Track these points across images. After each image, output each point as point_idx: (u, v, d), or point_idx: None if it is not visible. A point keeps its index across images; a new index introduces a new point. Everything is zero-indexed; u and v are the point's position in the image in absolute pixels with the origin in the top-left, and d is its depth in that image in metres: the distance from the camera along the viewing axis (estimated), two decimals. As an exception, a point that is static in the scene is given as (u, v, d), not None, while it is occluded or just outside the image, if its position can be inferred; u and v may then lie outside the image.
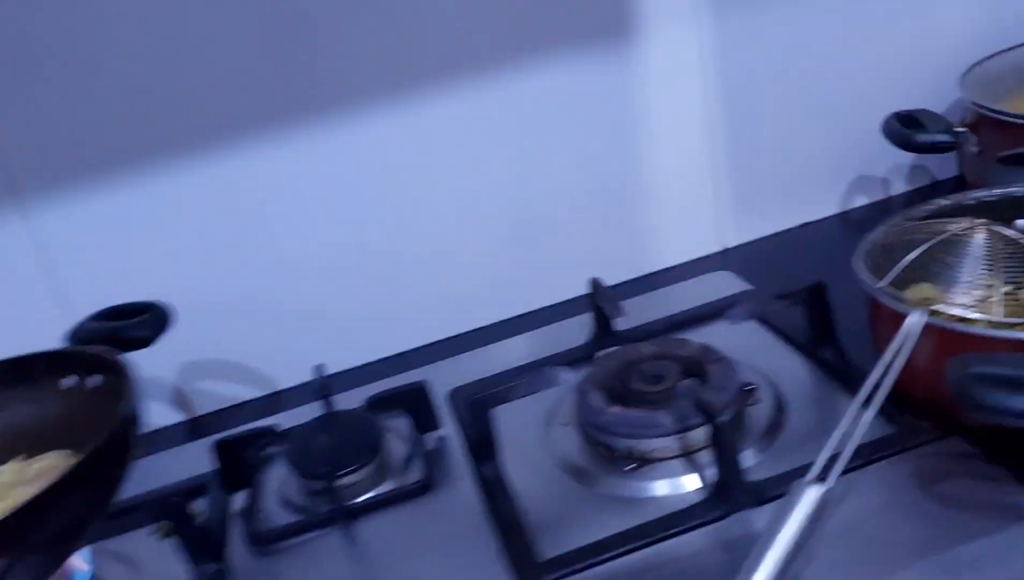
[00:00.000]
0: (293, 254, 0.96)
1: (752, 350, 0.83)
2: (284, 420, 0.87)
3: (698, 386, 0.74)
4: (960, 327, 0.64)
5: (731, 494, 0.65)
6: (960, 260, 0.72)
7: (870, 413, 0.63)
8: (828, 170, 1.10)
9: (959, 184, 1.04)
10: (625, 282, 1.06)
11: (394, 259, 0.99)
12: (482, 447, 0.74)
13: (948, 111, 1.04)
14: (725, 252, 1.10)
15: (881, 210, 1.11)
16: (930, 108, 0.99)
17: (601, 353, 0.87)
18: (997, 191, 0.78)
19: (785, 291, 0.79)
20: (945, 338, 0.64)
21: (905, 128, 0.96)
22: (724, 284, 0.99)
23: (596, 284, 0.89)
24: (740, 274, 1.02)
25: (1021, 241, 0.72)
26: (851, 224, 1.11)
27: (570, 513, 0.69)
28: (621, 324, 0.91)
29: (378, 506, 0.75)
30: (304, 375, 0.86)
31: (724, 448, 0.65)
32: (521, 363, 0.89)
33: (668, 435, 0.71)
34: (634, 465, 0.71)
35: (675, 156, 1.04)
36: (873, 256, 0.73)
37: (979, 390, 0.55)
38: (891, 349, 0.66)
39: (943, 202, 0.79)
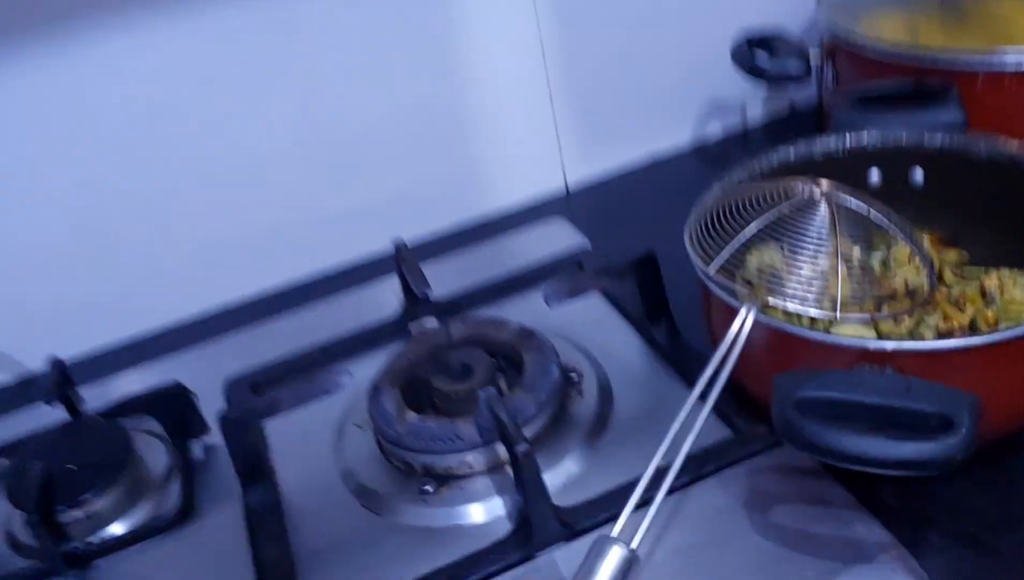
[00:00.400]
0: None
1: (582, 324, 0.72)
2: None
3: (508, 387, 0.63)
4: (792, 330, 0.54)
5: (536, 531, 0.54)
6: (806, 225, 0.62)
7: (704, 413, 0.53)
8: (677, 96, 0.98)
9: (819, 116, 0.94)
10: (450, 232, 0.93)
11: (148, 212, 0.82)
12: (248, 469, 0.61)
13: (806, 32, 0.92)
14: (567, 194, 0.97)
15: (737, 144, 1.01)
16: (787, 27, 0.88)
17: (414, 325, 0.75)
18: (847, 143, 0.68)
19: (609, 263, 0.67)
20: (776, 340, 0.54)
21: (755, 51, 0.84)
22: (559, 236, 0.86)
23: (400, 249, 0.75)
24: (583, 220, 0.90)
25: (864, 212, 0.63)
26: (705, 158, 1.00)
27: (353, 548, 0.57)
28: (435, 292, 0.78)
29: (120, 544, 0.61)
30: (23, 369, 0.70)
31: (526, 480, 0.53)
32: (314, 344, 0.75)
33: (471, 450, 0.59)
34: (432, 486, 0.59)
35: (506, 78, 0.90)
36: (706, 225, 0.62)
37: (804, 423, 0.45)
38: (724, 344, 0.55)
39: (786, 157, 0.68)
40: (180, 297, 0.86)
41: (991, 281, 0.64)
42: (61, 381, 0.67)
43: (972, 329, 0.60)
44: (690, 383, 0.58)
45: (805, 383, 0.47)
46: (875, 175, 0.69)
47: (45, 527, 0.58)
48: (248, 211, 0.85)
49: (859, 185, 0.68)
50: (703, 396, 0.53)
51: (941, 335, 0.60)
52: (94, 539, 0.61)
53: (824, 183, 0.61)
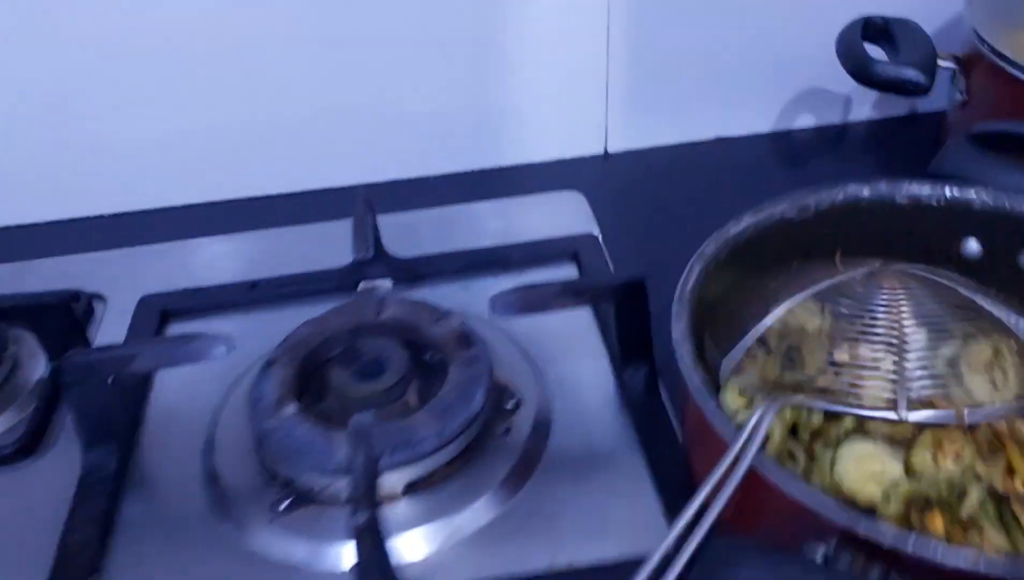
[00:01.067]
0: None
1: (554, 336, 0.58)
2: None
3: (420, 400, 0.50)
4: (779, 482, 0.39)
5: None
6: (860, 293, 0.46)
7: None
8: (767, 76, 0.80)
9: (942, 129, 0.74)
10: (453, 175, 0.78)
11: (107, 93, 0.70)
12: (91, 427, 0.50)
13: (942, 31, 0.72)
14: (605, 157, 0.82)
15: (829, 141, 0.82)
16: (917, 20, 0.68)
17: (365, 283, 0.63)
18: (944, 195, 0.50)
19: (587, 283, 0.53)
20: (760, 490, 0.39)
21: (869, 45, 0.65)
22: (567, 214, 0.71)
23: (361, 199, 0.61)
24: (612, 193, 0.75)
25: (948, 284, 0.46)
26: (785, 147, 0.82)
27: (172, 554, 0.47)
28: (407, 245, 0.65)
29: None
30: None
31: (362, 556, 0.41)
32: (246, 277, 0.64)
33: (342, 475, 0.47)
34: (286, 503, 0.48)
35: (558, 8, 0.73)
36: (705, 295, 0.46)
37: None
38: (709, 480, 0.40)
39: (857, 195, 0.51)
40: (136, 185, 0.75)
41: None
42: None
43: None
44: (652, 461, 0.45)
45: (751, 565, 0.32)
46: (973, 246, 0.52)
47: None
48: (229, 104, 0.73)
49: (947, 255, 0.51)
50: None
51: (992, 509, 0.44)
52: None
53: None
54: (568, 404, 0.54)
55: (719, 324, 0.51)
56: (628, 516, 0.48)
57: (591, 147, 0.81)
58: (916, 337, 0.50)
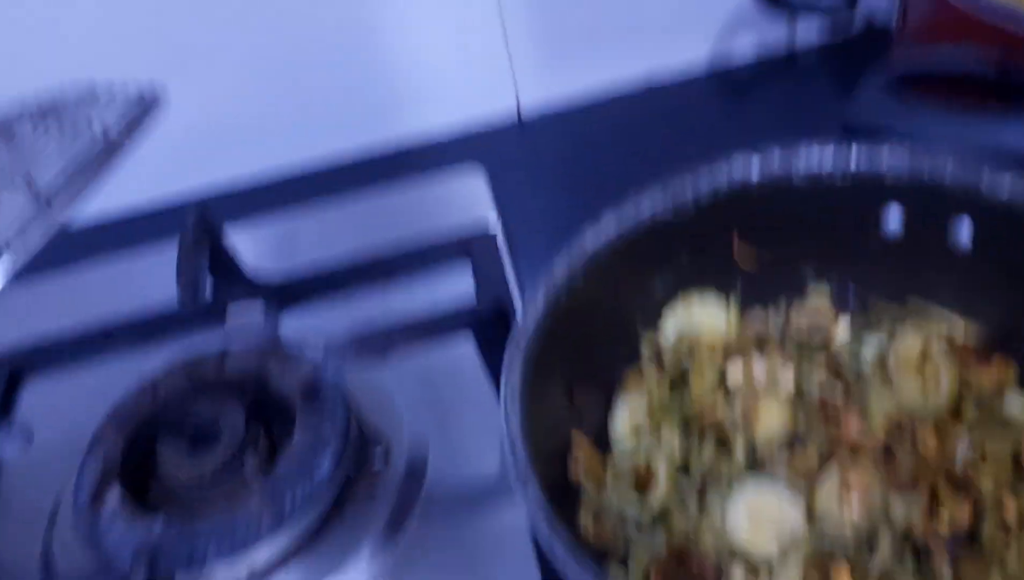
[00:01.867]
0: None
1: (442, 368, 0.51)
2: None
3: (263, 471, 0.44)
4: None
5: None
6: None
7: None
8: (694, 3, 0.69)
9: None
10: (345, 161, 0.70)
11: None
12: None
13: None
14: (520, 122, 0.73)
15: (778, 71, 0.72)
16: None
17: (234, 308, 0.56)
18: (853, 162, 0.41)
19: (433, 320, 0.45)
20: None
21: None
22: (462, 199, 0.63)
23: (192, 222, 0.53)
24: (529, 165, 0.67)
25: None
26: (726, 86, 0.72)
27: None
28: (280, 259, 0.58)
29: None
30: None
31: None
32: (95, 323, 0.57)
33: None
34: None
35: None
36: (578, 309, 0.39)
37: None
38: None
39: (746, 176, 0.42)
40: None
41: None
42: None
43: (972, 536, 0.36)
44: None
45: None
46: (894, 218, 0.43)
47: None
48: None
49: (865, 235, 0.43)
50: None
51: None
52: None
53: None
54: (447, 447, 0.47)
55: (600, 340, 0.43)
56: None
57: (502, 113, 0.72)
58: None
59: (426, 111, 0.71)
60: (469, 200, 0.62)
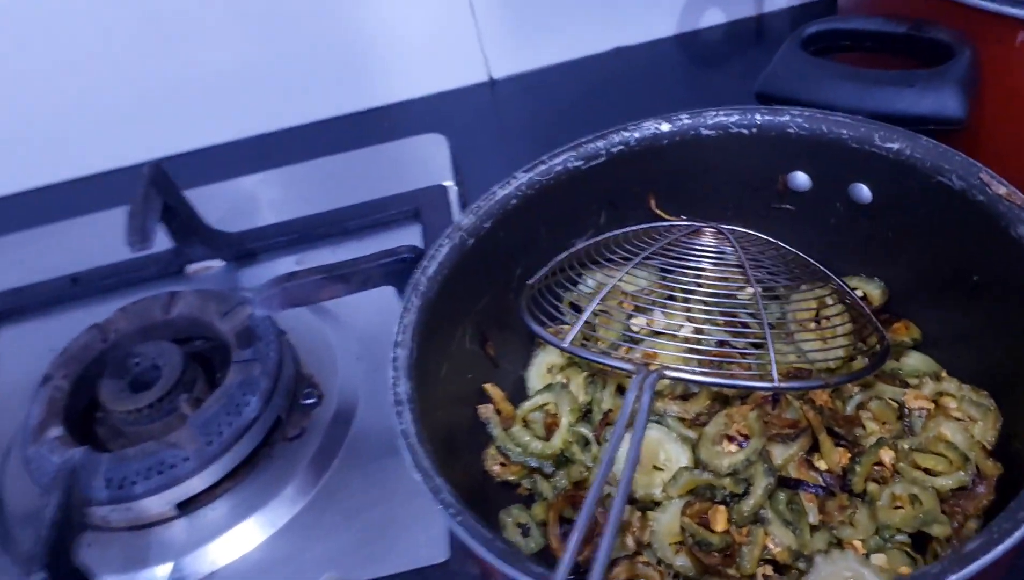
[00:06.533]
0: None
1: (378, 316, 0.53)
2: None
3: (193, 406, 0.46)
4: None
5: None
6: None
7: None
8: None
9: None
10: (329, 122, 0.72)
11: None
12: None
13: None
14: (492, 85, 0.74)
15: (747, 34, 0.72)
16: None
17: (191, 268, 0.58)
18: (756, 121, 0.42)
19: (350, 268, 0.46)
20: None
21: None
22: (422, 162, 0.64)
23: (146, 180, 0.55)
24: (503, 121, 0.68)
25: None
26: (694, 50, 0.72)
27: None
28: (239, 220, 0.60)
29: None
30: None
31: None
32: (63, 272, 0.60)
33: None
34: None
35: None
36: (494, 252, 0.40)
37: None
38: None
39: (655, 132, 0.43)
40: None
41: (920, 395, 0.39)
42: None
43: (844, 479, 0.37)
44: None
45: None
46: (802, 179, 0.43)
47: None
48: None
49: (774, 190, 0.43)
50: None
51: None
52: None
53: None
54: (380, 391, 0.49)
55: (516, 291, 0.44)
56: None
57: (472, 76, 0.73)
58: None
59: (393, 82, 0.72)
60: (431, 165, 0.64)
